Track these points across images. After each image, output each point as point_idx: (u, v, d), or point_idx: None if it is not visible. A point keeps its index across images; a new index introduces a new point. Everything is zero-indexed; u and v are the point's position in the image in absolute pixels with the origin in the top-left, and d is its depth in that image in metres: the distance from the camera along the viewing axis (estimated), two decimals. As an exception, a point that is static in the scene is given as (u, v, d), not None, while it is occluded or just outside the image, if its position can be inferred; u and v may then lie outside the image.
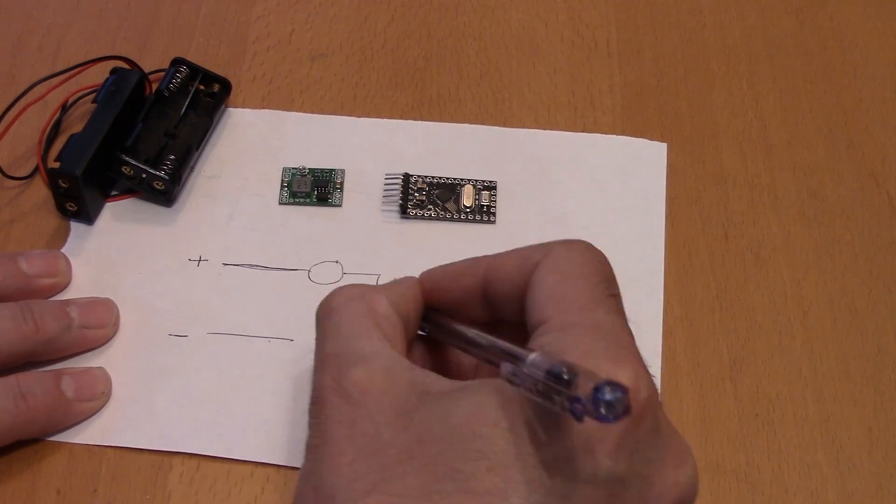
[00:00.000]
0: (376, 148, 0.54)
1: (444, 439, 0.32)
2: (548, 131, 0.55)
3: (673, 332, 0.48)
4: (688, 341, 0.48)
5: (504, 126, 0.55)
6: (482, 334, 0.38)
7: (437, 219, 0.51)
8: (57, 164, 0.49)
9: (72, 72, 0.52)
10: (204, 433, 0.45)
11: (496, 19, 0.60)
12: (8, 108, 0.49)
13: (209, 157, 0.53)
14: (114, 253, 0.50)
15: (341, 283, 0.49)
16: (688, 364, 0.48)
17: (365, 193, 0.52)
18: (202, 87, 0.54)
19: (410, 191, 0.52)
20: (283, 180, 0.52)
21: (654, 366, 0.47)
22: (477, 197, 0.52)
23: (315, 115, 0.55)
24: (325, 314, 0.38)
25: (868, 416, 0.46)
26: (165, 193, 0.51)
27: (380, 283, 0.49)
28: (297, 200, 0.52)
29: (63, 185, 0.49)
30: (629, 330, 0.36)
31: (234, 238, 0.51)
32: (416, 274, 0.49)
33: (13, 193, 0.52)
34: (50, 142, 0.53)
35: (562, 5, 0.60)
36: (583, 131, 0.55)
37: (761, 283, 0.50)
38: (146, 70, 0.54)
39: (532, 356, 0.32)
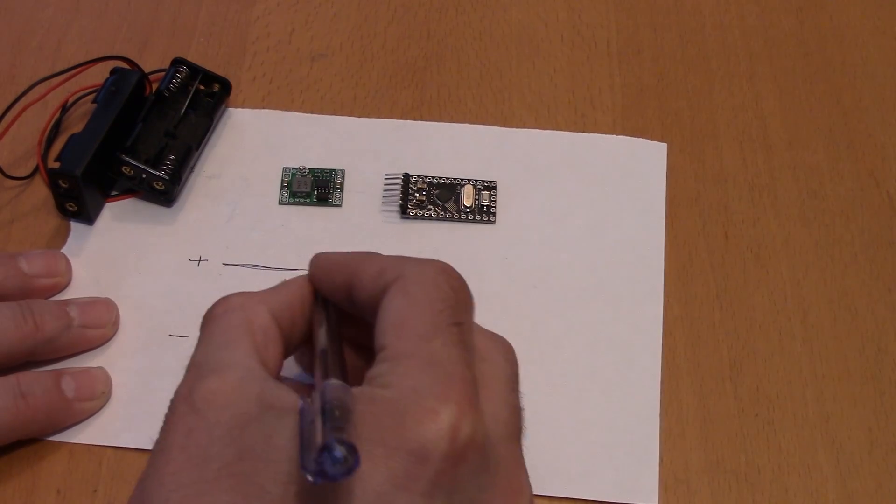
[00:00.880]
0: (376, 148, 0.54)
1: (262, 458, 0.31)
2: (548, 131, 0.55)
3: (673, 332, 0.48)
4: (688, 341, 0.48)
5: (504, 126, 0.55)
6: (326, 341, 0.37)
7: (437, 219, 0.51)
8: (57, 164, 0.49)
9: (72, 72, 0.52)
10: (204, 433, 0.44)
11: (496, 19, 0.60)
12: (8, 108, 0.50)
13: (209, 157, 0.53)
14: (114, 253, 0.50)
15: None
16: (688, 364, 0.48)
17: (365, 193, 0.52)
18: (202, 87, 0.54)
19: (410, 191, 0.52)
20: (283, 180, 0.52)
21: (654, 366, 0.47)
22: (477, 197, 0.52)
23: (315, 115, 0.55)
24: (204, 323, 0.38)
25: (868, 416, 0.46)
26: (165, 193, 0.51)
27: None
28: (297, 200, 0.52)
29: (63, 185, 0.49)
30: (469, 361, 0.34)
31: (234, 238, 0.51)
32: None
33: (13, 193, 0.52)
34: (50, 142, 0.53)
35: (562, 5, 0.60)
36: (583, 131, 0.55)
37: (761, 283, 0.50)
38: (146, 70, 0.54)
39: (323, 387, 0.32)
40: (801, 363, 0.48)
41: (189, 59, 0.54)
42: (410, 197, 0.52)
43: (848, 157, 0.55)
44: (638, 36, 0.59)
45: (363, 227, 0.51)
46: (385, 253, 0.50)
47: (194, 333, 0.47)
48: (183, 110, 0.52)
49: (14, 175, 0.52)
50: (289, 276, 0.49)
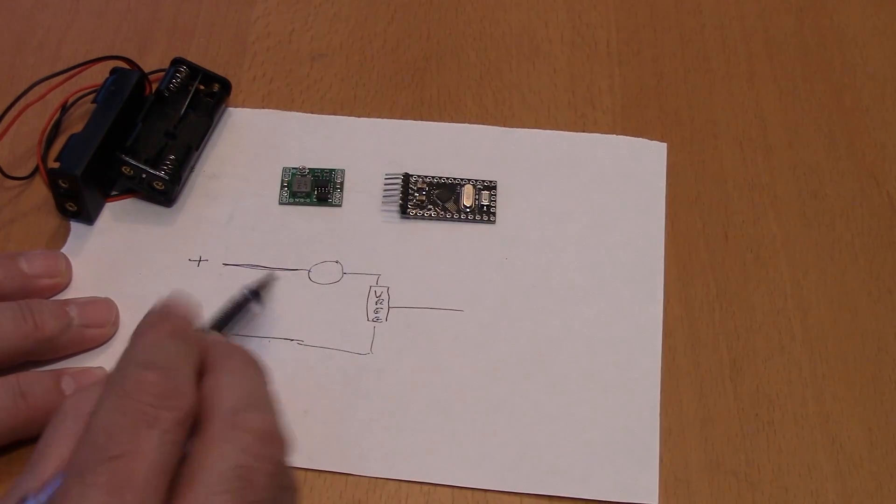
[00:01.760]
0: (376, 148, 0.54)
1: None
2: (548, 131, 0.55)
3: (673, 332, 0.48)
4: (688, 341, 0.48)
5: (504, 126, 0.55)
6: None
7: (437, 219, 0.51)
8: (57, 164, 0.49)
9: (72, 72, 0.52)
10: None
11: (496, 19, 0.60)
12: (8, 108, 0.49)
13: (209, 157, 0.53)
14: (114, 253, 0.50)
15: (341, 283, 0.49)
16: (688, 364, 0.48)
17: (365, 193, 0.52)
18: (202, 87, 0.54)
19: (410, 191, 0.52)
20: (283, 180, 0.52)
21: (654, 366, 0.47)
22: (477, 197, 0.52)
23: (315, 115, 0.55)
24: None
25: (868, 416, 0.46)
26: (165, 193, 0.51)
27: (379, 283, 0.49)
28: (297, 200, 0.52)
29: (63, 185, 0.49)
30: None
31: (234, 238, 0.51)
32: (416, 274, 0.49)
33: (13, 193, 0.52)
34: (50, 142, 0.53)
35: (562, 5, 0.60)
36: (583, 131, 0.55)
37: (761, 283, 0.50)
38: (146, 70, 0.54)
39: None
40: (801, 363, 0.48)
41: (189, 59, 0.54)
42: (410, 197, 0.52)
43: (848, 157, 0.55)
44: (638, 36, 0.59)
45: (363, 226, 0.51)
46: (386, 253, 0.50)
47: (194, 333, 0.48)
48: (183, 110, 0.52)
49: (14, 175, 0.52)
50: (289, 275, 0.49)
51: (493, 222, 0.51)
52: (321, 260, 0.50)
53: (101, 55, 0.53)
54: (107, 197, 0.51)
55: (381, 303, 0.49)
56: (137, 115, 0.51)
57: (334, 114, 0.55)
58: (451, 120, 0.55)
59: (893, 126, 0.56)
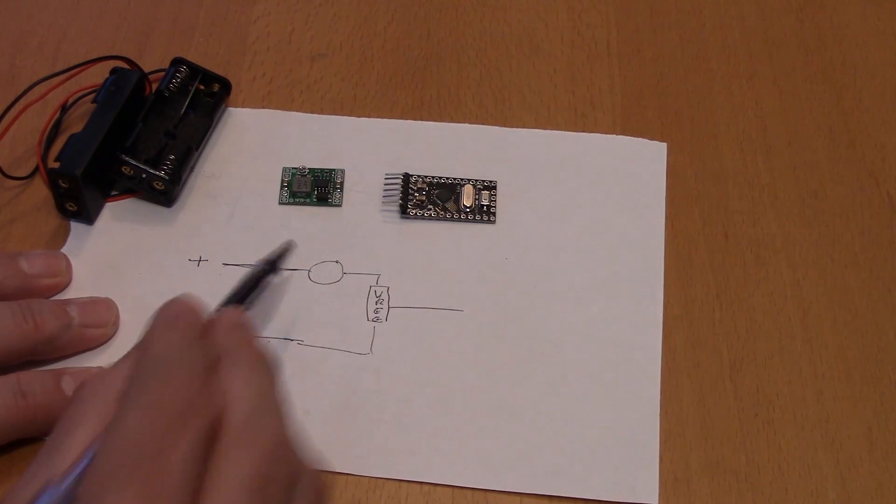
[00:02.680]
0: (376, 148, 0.54)
1: None
2: (548, 131, 0.55)
3: (673, 332, 0.48)
4: (688, 341, 0.48)
5: (504, 126, 0.55)
6: None
7: (437, 219, 0.51)
8: (57, 164, 0.49)
9: (72, 72, 0.52)
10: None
11: (496, 19, 0.60)
12: (8, 108, 0.50)
13: (209, 157, 0.53)
14: (114, 253, 0.50)
15: (341, 283, 0.49)
16: (688, 364, 0.48)
17: (365, 193, 0.52)
18: (202, 87, 0.54)
19: (410, 191, 0.52)
20: (283, 180, 0.52)
21: (654, 366, 0.47)
22: (477, 197, 0.52)
23: (315, 115, 0.55)
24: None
25: (868, 416, 0.46)
26: (165, 193, 0.51)
27: (379, 283, 0.49)
28: (297, 200, 0.52)
29: (63, 185, 0.49)
30: None
31: (234, 238, 0.51)
32: (416, 274, 0.49)
33: (13, 193, 0.52)
34: (50, 142, 0.53)
35: (562, 5, 0.60)
36: (583, 131, 0.55)
37: (761, 283, 0.50)
38: (146, 70, 0.54)
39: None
40: (801, 363, 0.48)
41: (189, 59, 0.54)
42: (410, 197, 0.52)
43: (848, 157, 0.55)
44: (638, 36, 0.59)
45: (363, 226, 0.51)
46: (386, 253, 0.50)
47: (194, 333, 0.48)
48: (183, 110, 0.52)
49: (14, 175, 0.52)
50: (289, 275, 0.49)
51: (493, 222, 0.51)
52: (321, 260, 0.50)
53: (101, 55, 0.53)
54: (107, 197, 0.51)
55: (381, 303, 0.49)
56: (137, 115, 0.51)
57: (334, 114, 0.55)
58: (451, 120, 0.55)
59: (893, 126, 0.56)
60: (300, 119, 0.55)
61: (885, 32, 0.60)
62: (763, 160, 0.54)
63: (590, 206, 0.52)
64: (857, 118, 0.56)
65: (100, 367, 0.46)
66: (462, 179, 0.52)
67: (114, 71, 0.53)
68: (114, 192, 0.52)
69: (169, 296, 0.48)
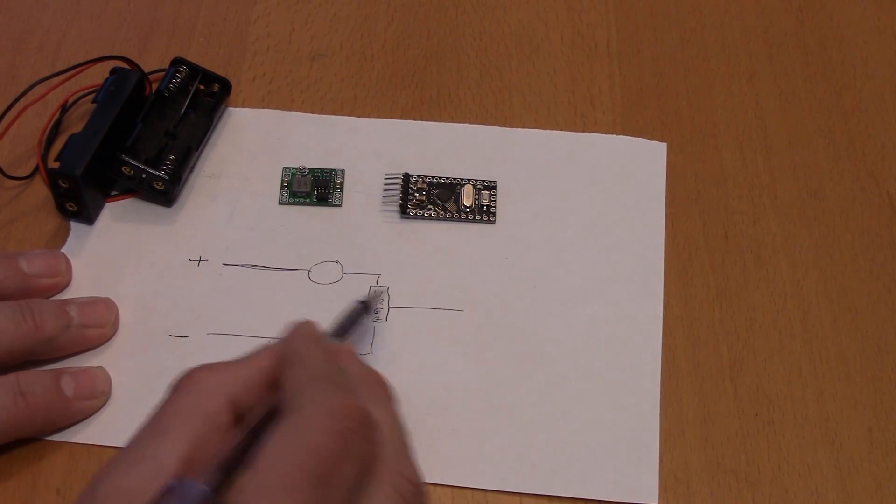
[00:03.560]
0: (376, 148, 0.54)
1: None
2: (548, 131, 0.55)
3: (673, 332, 0.48)
4: (688, 341, 0.48)
5: (504, 126, 0.55)
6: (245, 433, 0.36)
7: (437, 219, 0.51)
8: (57, 164, 0.49)
9: (72, 72, 0.52)
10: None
11: (496, 19, 0.60)
12: (8, 108, 0.50)
13: (209, 156, 0.53)
14: (114, 253, 0.50)
15: (341, 283, 0.49)
16: (688, 364, 0.48)
17: (365, 193, 0.52)
18: (202, 87, 0.54)
19: (410, 191, 0.52)
20: (283, 180, 0.52)
21: (654, 366, 0.47)
22: (477, 197, 0.52)
23: (315, 115, 0.55)
24: (169, 389, 0.38)
25: (868, 416, 0.46)
26: (165, 193, 0.51)
27: (379, 283, 0.49)
28: (297, 200, 0.52)
29: (63, 185, 0.49)
30: None
31: (234, 238, 0.51)
32: (416, 274, 0.49)
33: (13, 193, 0.52)
34: (50, 142, 0.53)
35: (562, 5, 0.60)
36: (583, 131, 0.55)
37: (761, 283, 0.50)
38: (146, 70, 0.54)
39: (190, 484, 0.33)
40: (801, 363, 0.48)
41: (189, 59, 0.54)
42: (410, 197, 0.52)
43: (848, 157, 0.55)
44: (638, 36, 0.59)
45: (363, 227, 0.51)
46: (386, 253, 0.50)
47: (194, 333, 0.48)
48: (183, 110, 0.52)
49: (14, 175, 0.52)
50: (289, 275, 0.49)
51: (493, 222, 0.51)
52: (321, 260, 0.50)
53: (101, 55, 0.53)
54: (107, 197, 0.51)
55: (381, 303, 0.49)
56: (137, 115, 0.51)
57: (334, 114, 0.55)
58: (451, 120, 0.55)
59: (893, 126, 0.56)
60: (300, 119, 0.55)
61: (886, 32, 0.60)
62: (763, 160, 0.54)
63: (590, 206, 0.52)
64: (857, 118, 0.56)
65: (100, 367, 0.46)
66: (462, 179, 0.52)
67: (114, 71, 0.53)
68: (114, 192, 0.52)
69: (169, 296, 0.49)
